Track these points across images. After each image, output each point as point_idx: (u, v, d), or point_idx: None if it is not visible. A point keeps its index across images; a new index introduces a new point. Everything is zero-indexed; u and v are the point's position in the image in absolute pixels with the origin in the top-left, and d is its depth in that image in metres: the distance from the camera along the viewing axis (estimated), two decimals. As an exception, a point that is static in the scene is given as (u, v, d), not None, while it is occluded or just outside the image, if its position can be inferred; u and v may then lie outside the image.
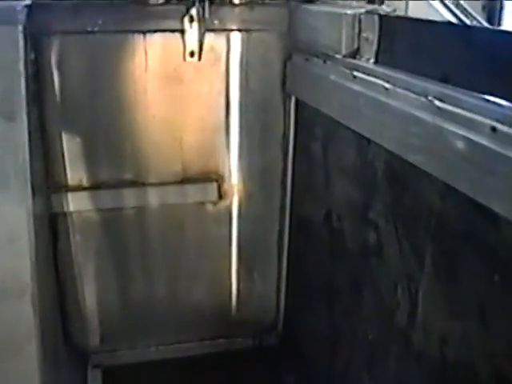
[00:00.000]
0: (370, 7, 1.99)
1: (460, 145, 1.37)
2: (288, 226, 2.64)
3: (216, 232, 2.70)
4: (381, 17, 1.87)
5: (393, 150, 1.66)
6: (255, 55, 2.45)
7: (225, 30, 2.41)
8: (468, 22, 3.47)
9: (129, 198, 2.56)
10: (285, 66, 2.44)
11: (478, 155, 1.31)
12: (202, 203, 2.64)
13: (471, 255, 1.43)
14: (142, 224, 2.63)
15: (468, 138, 1.34)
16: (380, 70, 1.80)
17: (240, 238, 2.72)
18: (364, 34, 1.94)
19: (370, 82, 1.80)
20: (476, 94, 1.38)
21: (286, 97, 2.49)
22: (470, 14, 3.61)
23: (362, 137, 1.84)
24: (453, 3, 3.62)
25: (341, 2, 2.19)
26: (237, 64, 2.46)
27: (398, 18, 1.83)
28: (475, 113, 1.34)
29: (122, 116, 2.45)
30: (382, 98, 1.71)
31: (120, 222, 2.61)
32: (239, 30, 2.41)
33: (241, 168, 2.61)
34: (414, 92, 1.58)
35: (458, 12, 3.57)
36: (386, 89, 1.71)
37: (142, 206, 2.59)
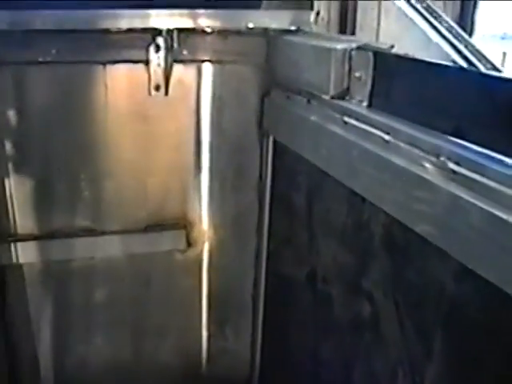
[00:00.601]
0: (363, 41, 1.75)
1: (482, 220, 1.13)
2: (264, 278, 2.38)
3: (185, 283, 2.43)
4: (375, 54, 1.63)
5: (394, 214, 1.41)
6: (229, 89, 2.19)
7: (195, 61, 2.14)
8: (451, 37, 3.22)
9: (87, 247, 2.28)
10: (262, 102, 2.19)
11: (506, 236, 1.07)
12: (170, 252, 2.37)
13: (494, 351, 1.19)
14: (102, 276, 2.34)
15: (493, 214, 1.10)
16: (376, 116, 1.56)
17: (211, 290, 2.45)
18: (356, 73, 1.70)
19: (365, 130, 1.56)
20: (502, 158, 1.14)
21: (262, 137, 2.24)
22: (453, 29, 3.37)
23: (355, 194, 1.59)
24: (436, 20, 3.42)
25: (327, 35, 1.95)
26: (208, 99, 2.20)
27: (397, 56, 1.59)
28: (503, 184, 1.10)
29: (78, 156, 2.17)
30: (381, 152, 1.46)
31: (77, 273, 2.32)
32: (211, 62, 2.15)
33: (212, 213, 2.35)
34: (421, 149, 1.33)
35: (440, 27, 3.37)
36: (386, 141, 1.47)
37: (102, 256, 2.30)
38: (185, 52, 2.11)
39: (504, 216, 1.08)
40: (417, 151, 1.34)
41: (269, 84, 2.14)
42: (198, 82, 2.17)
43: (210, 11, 2.05)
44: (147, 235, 2.30)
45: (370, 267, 1.60)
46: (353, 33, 5.24)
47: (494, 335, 1.18)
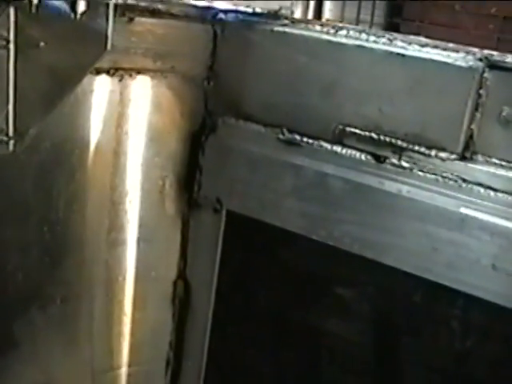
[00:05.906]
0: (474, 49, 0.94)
1: None
2: None
3: None
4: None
5: None
6: (132, 125, 1.12)
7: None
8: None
9: None
10: (197, 145, 1.17)
11: None
12: None
13: None
14: None
15: None
16: None
17: None
18: (503, 112, 0.90)
19: None
20: None
21: (193, 208, 1.22)
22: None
23: None
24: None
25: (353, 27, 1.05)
26: (93, 146, 1.10)
27: None
28: None
29: None
30: None
31: None
32: (99, 72, 1.06)
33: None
34: None
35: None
36: None
37: None
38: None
39: None
40: None
41: (215, 112, 1.14)
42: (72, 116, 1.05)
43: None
44: None
45: None
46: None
47: None
